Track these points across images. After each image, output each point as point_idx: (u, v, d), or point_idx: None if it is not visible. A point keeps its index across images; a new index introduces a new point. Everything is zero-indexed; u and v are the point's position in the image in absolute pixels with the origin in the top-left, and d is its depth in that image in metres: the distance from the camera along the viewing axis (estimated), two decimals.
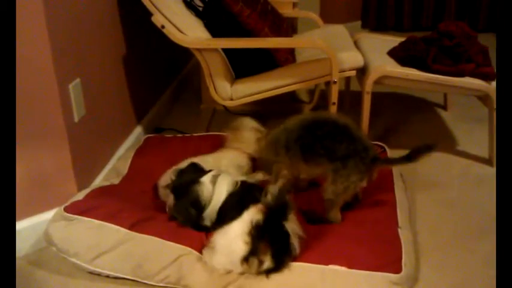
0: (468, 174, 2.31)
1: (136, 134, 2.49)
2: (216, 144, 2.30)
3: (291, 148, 1.76)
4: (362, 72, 2.36)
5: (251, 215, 1.50)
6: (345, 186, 1.71)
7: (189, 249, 1.64)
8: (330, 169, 1.71)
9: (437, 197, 2.13)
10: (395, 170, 2.11)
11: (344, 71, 2.28)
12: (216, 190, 1.67)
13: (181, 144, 2.33)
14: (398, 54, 2.43)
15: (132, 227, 1.68)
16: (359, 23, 4.63)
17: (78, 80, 1.86)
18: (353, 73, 2.32)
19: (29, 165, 1.74)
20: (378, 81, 2.28)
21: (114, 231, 1.67)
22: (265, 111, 2.92)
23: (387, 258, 1.59)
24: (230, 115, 2.90)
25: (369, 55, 2.42)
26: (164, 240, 1.66)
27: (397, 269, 1.55)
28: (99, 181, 2.03)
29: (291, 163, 1.79)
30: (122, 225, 1.68)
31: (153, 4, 2.14)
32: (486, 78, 2.28)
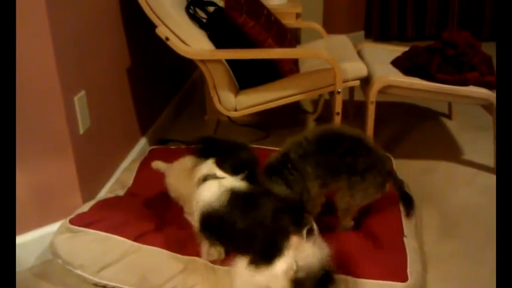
0: (474, 183, 2.30)
1: (141, 146, 2.50)
2: None
3: (318, 172, 1.68)
4: (366, 82, 2.36)
5: (293, 255, 1.31)
6: (361, 199, 1.69)
7: (195, 258, 1.64)
8: (348, 182, 1.67)
9: (443, 207, 2.12)
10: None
11: (348, 81, 2.28)
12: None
13: (186, 155, 2.32)
14: (402, 64, 2.43)
15: (137, 239, 1.68)
16: (362, 33, 4.64)
17: (83, 92, 1.87)
18: (357, 83, 2.32)
19: (34, 177, 1.74)
20: (381, 91, 2.28)
21: (119, 243, 1.67)
22: (269, 121, 2.93)
23: (393, 267, 1.58)
24: (234, 126, 2.91)
25: (373, 65, 2.43)
26: (169, 252, 1.66)
27: (403, 278, 1.54)
28: (104, 193, 2.04)
29: (319, 186, 1.71)
30: (127, 237, 1.69)
31: (157, 16, 2.15)
32: (490, 87, 2.28)
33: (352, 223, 1.78)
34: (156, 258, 1.64)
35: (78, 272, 1.66)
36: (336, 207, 1.77)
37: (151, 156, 2.32)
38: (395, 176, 1.75)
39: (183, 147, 2.46)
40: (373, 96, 2.27)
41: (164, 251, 1.66)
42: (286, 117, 2.99)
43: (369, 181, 1.65)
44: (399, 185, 1.70)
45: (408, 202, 1.69)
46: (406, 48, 2.58)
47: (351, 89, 2.89)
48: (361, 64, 2.33)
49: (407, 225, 1.81)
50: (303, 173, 1.66)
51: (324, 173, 1.66)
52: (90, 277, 1.65)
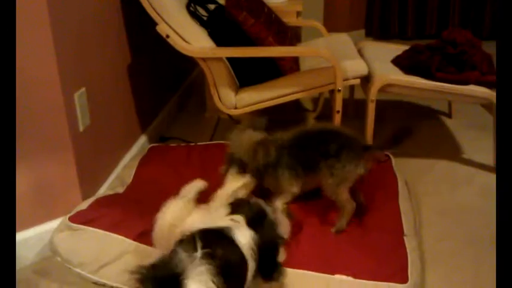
0: (473, 182, 2.30)
1: (141, 143, 2.50)
2: (220, 154, 2.30)
3: (294, 167, 1.80)
4: (366, 80, 2.36)
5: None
6: (342, 177, 1.77)
7: None
8: (326, 166, 1.77)
9: (443, 206, 2.12)
10: (400, 178, 2.11)
11: (348, 80, 2.28)
12: None
13: (186, 153, 2.33)
14: (402, 63, 2.43)
15: (136, 238, 1.68)
16: (363, 31, 4.63)
17: (83, 89, 1.87)
18: (357, 81, 2.32)
19: (34, 174, 1.74)
20: (382, 90, 2.28)
21: (119, 242, 1.67)
22: (269, 119, 2.92)
23: (393, 268, 1.58)
24: (234, 124, 2.90)
25: (373, 63, 2.42)
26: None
27: (403, 279, 1.54)
28: (103, 190, 2.04)
29: (296, 181, 1.83)
30: (126, 236, 1.68)
31: (158, 14, 2.15)
32: (490, 86, 2.27)
33: (353, 203, 1.81)
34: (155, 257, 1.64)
35: (78, 270, 1.66)
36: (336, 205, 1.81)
37: (151, 153, 2.33)
38: (372, 146, 1.89)
39: (183, 144, 2.46)
40: (373, 94, 2.27)
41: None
42: (286, 115, 2.99)
43: (344, 158, 1.76)
44: (379, 148, 1.88)
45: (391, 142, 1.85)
46: (407, 47, 2.58)
47: (351, 88, 2.89)
48: (362, 62, 2.33)
49: (407, 224, 1.81)
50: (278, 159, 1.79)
51: (296, 165, 1.79)
52: (90, 275, 1.65)
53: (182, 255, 1.22)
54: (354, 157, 1.76)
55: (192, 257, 1.21)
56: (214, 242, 1.30)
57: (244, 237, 1.35)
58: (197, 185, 1.71)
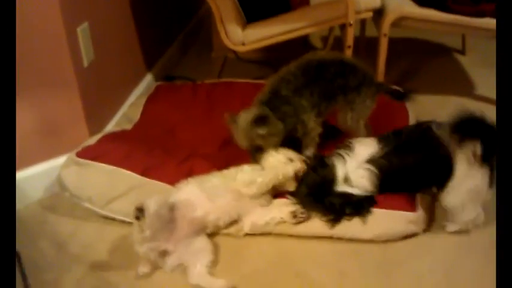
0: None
1: (147, 82, 2.46)
2: (227, 91, 2.26)
3: (314, 101, 1.75)
4: (379, 14, 2.27)
5: None
6: (362, 111, 1.79)
7: None
8: (346, 100, 1.77)
9: None
10: (412, 114, 2.07)
11: (360, 13, 2.20)
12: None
13: (193, 91, 2.29)
14: None
15: (144, 172, 1.67)
16: None
17: (86, 23, 1.81)
18: (369, 14, 2.24)
19: (39, 110, 1.72)
20: (395, 23, 2.20)
21: (127, 177, 1.66)
22: (276, 58, 2.86)
23: (403, 201, 1.60)
24: (241, 63, 2.85)
25: None
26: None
27: (413, 209, 1.57)
28: (110, 127, 2.02)
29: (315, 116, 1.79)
30: (134, 171, 1.67)
31: None
32: None
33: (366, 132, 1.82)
34: (163, 193, 1.62)
35: (86, 205, 1.66)
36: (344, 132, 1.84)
37: (158, 91, 2.29)
38: (385, 85, 1.91)
39: (189, 83, 2.41)
40: (386, 28, 2.19)
41: (170, 186, 1.63)
42: (294, 53, 2.92)
43: (364, 93, 1.76)
44: (389, 90, 1.87)
45: (402, 94, 1.89)
46: None
47: (362, 25, 2.80)
48: None
49: None
50: (296, 107, 1.73)
51: (319, 101, 1.75)
52: (99, 210, 1.66)
53: None
54: (373, 92, 1.78)
55: None
56: None
57: None
58: None
